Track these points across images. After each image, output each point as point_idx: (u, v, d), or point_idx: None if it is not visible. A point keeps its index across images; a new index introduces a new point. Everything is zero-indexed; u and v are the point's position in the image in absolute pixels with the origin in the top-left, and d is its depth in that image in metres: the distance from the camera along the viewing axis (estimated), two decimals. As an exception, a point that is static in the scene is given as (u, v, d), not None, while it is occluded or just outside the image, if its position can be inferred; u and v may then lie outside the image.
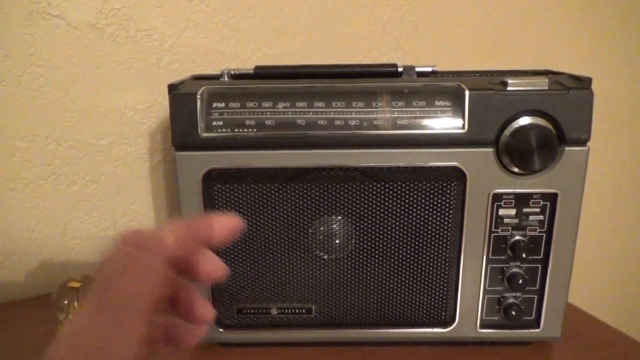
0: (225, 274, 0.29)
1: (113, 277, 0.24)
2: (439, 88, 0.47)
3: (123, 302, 0.23)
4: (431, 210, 0.49)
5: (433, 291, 0.52)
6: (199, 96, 0.47)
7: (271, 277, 0.51)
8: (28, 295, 0.67)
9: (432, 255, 0.50)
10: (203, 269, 0.28)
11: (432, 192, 0.48)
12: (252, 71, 0.54)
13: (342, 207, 0.49)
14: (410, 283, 0.51)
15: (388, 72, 0.53)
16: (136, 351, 0.23)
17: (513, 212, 0.49)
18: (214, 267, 0.28)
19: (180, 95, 0.47)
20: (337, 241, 0.51)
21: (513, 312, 0.51)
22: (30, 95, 0.63)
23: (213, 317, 0.29)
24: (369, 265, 0.51)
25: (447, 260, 0.50)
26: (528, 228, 0.49)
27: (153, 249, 0.25)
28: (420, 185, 0.48)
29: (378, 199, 0.49)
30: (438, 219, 0.49)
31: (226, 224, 0.28)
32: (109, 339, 0.22)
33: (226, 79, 0.54)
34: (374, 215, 0.49)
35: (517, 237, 0.49)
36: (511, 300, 0.51)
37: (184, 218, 0.28)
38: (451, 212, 0.49)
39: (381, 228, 0.50)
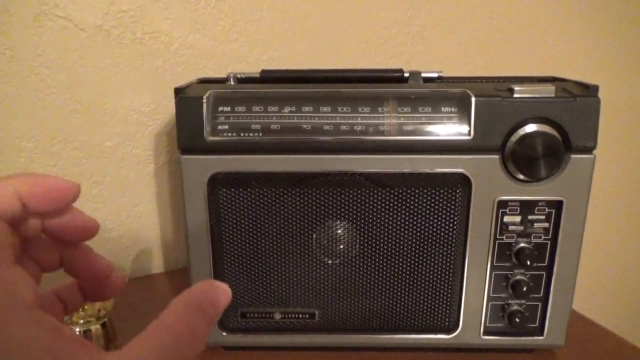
0: (96, 228, 0.28)
1: None
2: (445, 94, 0.47)
3: None
4: (436, 216, 0.49)
5: (437, 297, 0.51)
6: (205, 100, 0.47)
7: (275, 281, 0.51)
8: (32, 296, 0.67)
9: (436, 262, 0.50)
10: (71, 224, 0.27)
11: (437, 198, 0.48)
12: (258, 75, 0.54)
13: (346, 212, 0.49)
14: (414, 289, 0.51)
15: (394, 77, 0.53)
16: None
17: (518, 219, 0.49)
18: (82, 221, 0.28)
19: (186, 99, 0.47)
20: (342, 246, 0.50)
21: (517, 319, 0.50)
22: (37, 97, 0.63)
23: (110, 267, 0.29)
24: (372, 270, 0.51)
25: (452, 266, 0.50)
26: (533, 235, 0.49)
27: None
28: (425, 191, 0.48)
29: (383, 205, 0.49)
30: (443, 225, 0.49)
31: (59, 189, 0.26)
32: None
33: (232, 83, 0.54)
34: (378, 220, 0.49)
35: (522, 244, 0.49)
36: (515, 307, 0.51)
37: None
38: (456, 218, 0.49)
39: (385, 234, 0.50)
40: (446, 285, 0.51)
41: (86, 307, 0.53)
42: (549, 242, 0.49)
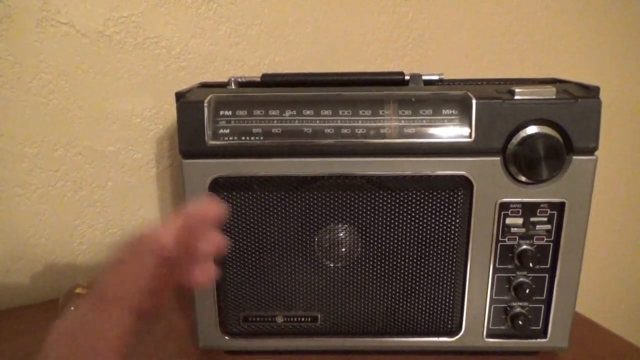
0: (221, 249, 0.31)
1: (107, 278, 0.29)
2: (446, 96, 0.47)
3: (111, 299, 0.29)
4: (438, 219, 0.49)
5: (439, 300, 0.51)
6: (206, 104, 0.47)
7: (277, 285, 0.51)
8: (35, 301, 0.67)
9: (438, 264, 0.50)
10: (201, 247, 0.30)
11: (439, 201, 0.48)
12: (259, 79, 0.54)
13: (348, 215, 0.49)
14: (417, 292, 0.51)
15: (395, 80, 0.53)
16: (121, 339, 0.28)
17: (520, 221, 0.48)
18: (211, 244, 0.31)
19: (187, 104, 0.47)
20: (343, 249, 0.50)
21: (520, 322, 0.50)
22: (39, 102, 0.63)
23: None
24: (375, 273, 0.51)
25: (454, 269, 0.50)
26: (535, 237, 0.49)
27: (146, 254, 0.29)
28: (427, 194, 0.48)
29: (384, 208, 0.49)
30: (445, 227, 0.49)
31: (214, 214, 0.30)
32: (96, 327, 0.28)
33: (233, 87, 0.54)
34: (380, 223, 0.49)
35: (524, 247, 0.49)
36: (518, 310, 0.51)
37: (183, 212, 0.30)
38: (458, 221, 0.49)
39: (387, 236, 0.50)
40: (449, 287, 0.51)
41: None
42: (551, 244, 0.49)
